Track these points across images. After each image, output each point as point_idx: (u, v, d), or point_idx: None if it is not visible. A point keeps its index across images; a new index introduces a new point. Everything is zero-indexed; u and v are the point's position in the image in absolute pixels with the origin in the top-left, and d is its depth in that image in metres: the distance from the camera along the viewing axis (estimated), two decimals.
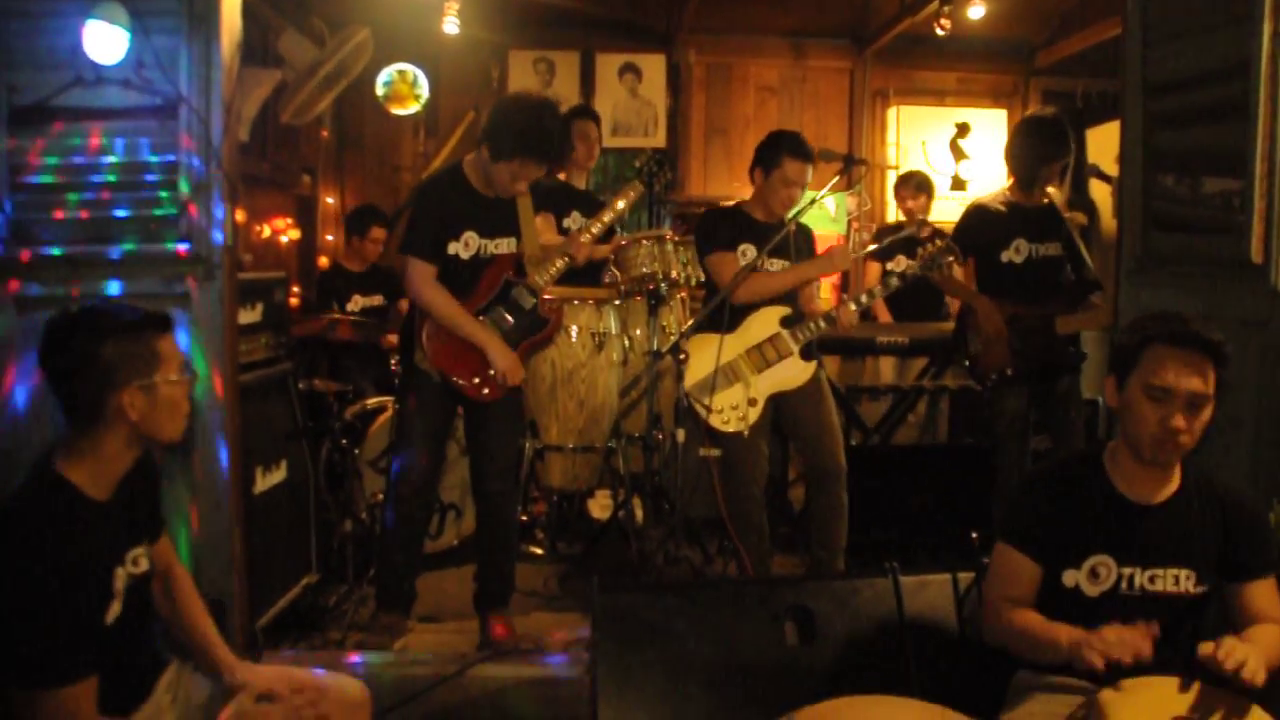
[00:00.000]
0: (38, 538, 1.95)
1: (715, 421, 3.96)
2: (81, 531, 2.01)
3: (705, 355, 3.94)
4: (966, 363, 4.53)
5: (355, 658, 3.52)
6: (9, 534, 1.96)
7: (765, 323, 4.04)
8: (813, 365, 4.07)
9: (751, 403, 4.00)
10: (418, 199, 3.66)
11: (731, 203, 4.29)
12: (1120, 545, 2.30)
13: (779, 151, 4.00)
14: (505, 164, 3.56)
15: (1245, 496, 2.37)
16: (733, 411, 3.98)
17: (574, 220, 4.90)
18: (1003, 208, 4.40)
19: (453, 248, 3.62)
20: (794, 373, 4.05)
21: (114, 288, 3.26)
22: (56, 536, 1.96)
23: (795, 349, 4.02)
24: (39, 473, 2.07)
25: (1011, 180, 4.46)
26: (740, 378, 4.00)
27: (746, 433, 3.98)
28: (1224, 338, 2.24)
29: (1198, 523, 2.31)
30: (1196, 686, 2.08)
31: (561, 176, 5.05)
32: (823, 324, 3.99)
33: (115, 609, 2.07)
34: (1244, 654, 1.99)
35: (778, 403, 4.09)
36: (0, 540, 1.95)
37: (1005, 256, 4.34)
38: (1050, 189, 4.37)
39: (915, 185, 6.07)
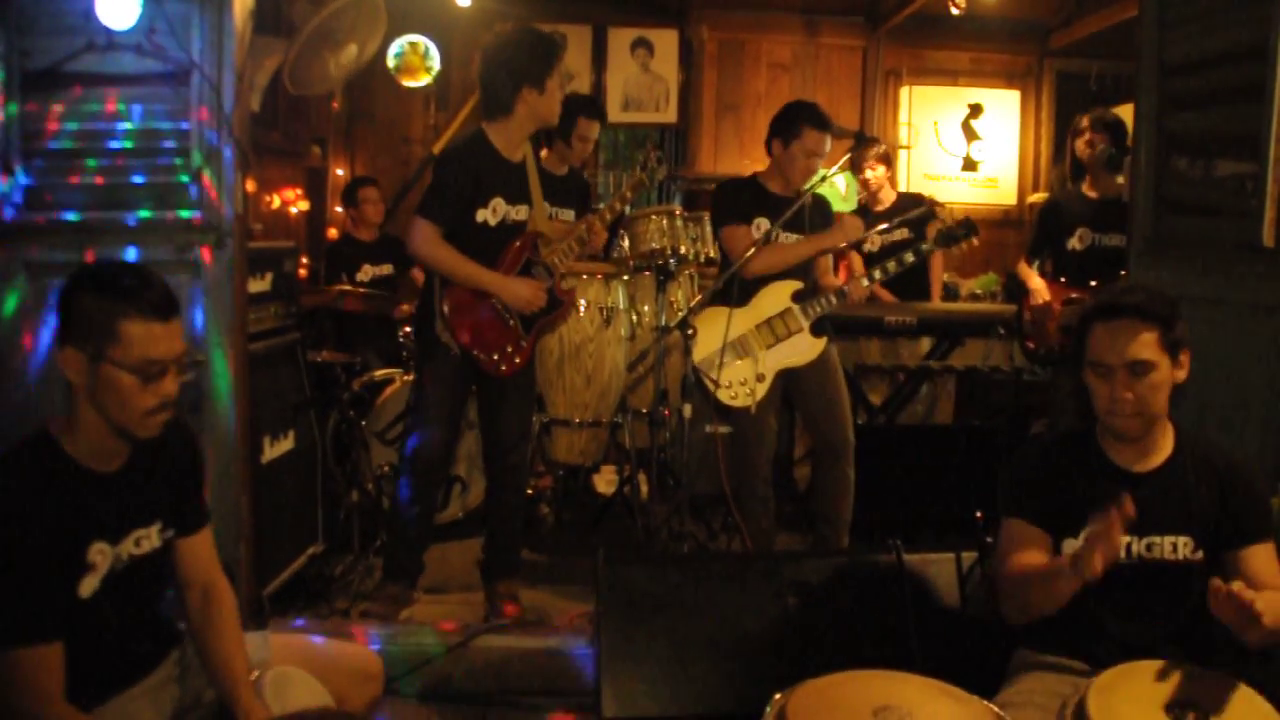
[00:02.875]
0: (8, 495, 1.90)
1: (723, 396, 3.96)
2: (55, 495, 1.94)
3: (714, 329, 3.94)
4: (1022, 341, 4.70)
5: (360, 627, 3.54)
6: None
7: (776, 297, 4.03)
8: (823, 341, 4.06)
9: (760, 378, 3.99)
10: (444, 165, 3.63)
11: (746, 175, 4.26)
12: None
13: (798, 121, 3.98)
14: (552, 80, 3.60)
15: (1240, 461, 2.35)
16: (741, 387, 3.97)
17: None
18: (1071, 199, 4.69)
19: (481, 215, 3.60)
20: (804, 349, 4.03)
21: (125, 254, 3.26)
22: (29, 497, 1.91)
23: (806, 324, 4.00)
24: (31, 437, 2.02)
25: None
26: (749, 353, 4.00)
27: (754, 409, 3.98)
28: (1156, 298, 2.24)
29: (1193, 489, 2.30)
30: (1182, 670, 2.06)
31: (543, 154, 5.03)
32: (834, 299, 3.98)
33: (91, 583, 1.99)
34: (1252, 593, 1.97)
35: (787, 378, 4.08)
36: None
37: (1069, 244, 4.56)
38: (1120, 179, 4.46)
39: (876, 156, 5.76)
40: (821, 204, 4.19)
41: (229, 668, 2.17)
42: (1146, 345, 2.21)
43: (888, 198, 5.72)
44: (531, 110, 3.62)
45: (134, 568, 2.09)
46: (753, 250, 3.87)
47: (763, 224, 4.00)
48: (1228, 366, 2.97)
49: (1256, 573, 2.25)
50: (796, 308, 4.01)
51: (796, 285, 4.05)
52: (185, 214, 3.29)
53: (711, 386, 3.94)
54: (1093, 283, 4.43)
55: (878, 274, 4.04)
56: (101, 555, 2.01)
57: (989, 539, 2.52)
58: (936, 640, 2.73)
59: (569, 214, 4.10)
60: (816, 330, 4.03)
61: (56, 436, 2.01)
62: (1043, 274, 4.71)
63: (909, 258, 4.04)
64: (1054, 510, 2.33)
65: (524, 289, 3.64)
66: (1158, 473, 2.32)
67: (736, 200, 4.09)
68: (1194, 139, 3.26)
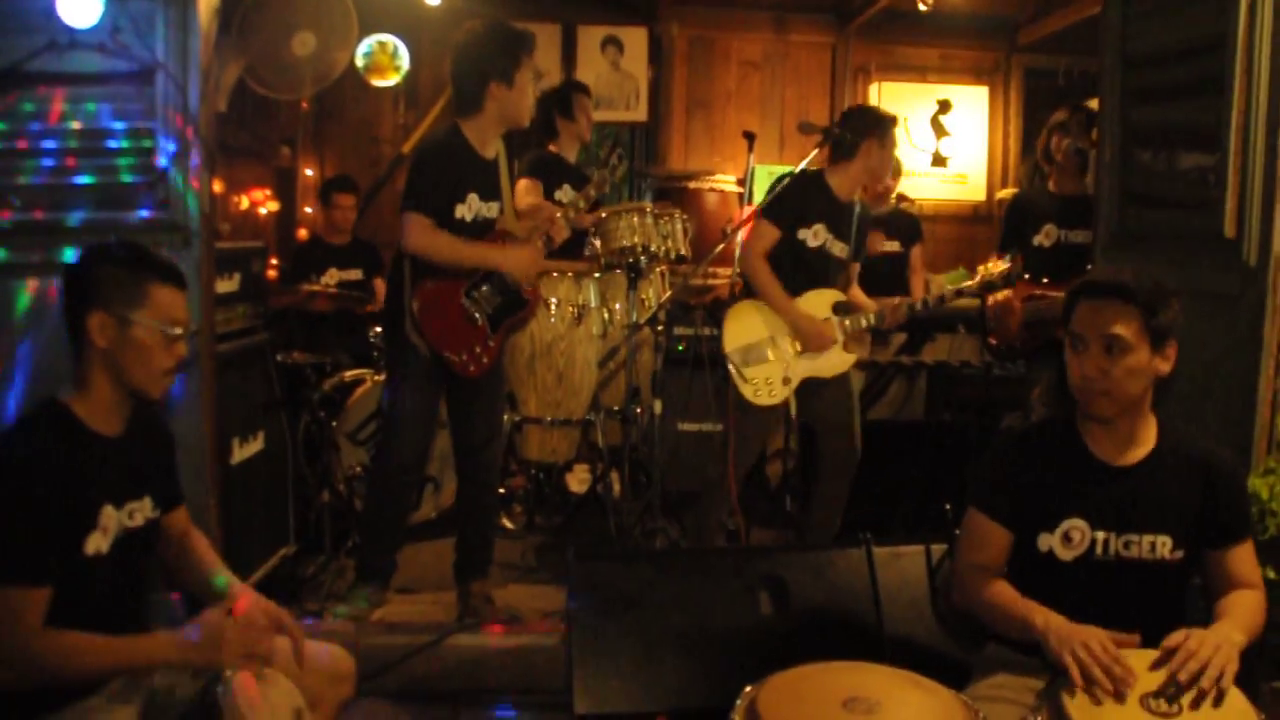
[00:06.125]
0: (28, 448, 2.03)
1: (746, 391, 3.95)
2: (71, 455, 2.07)
3: (746, 321, 3.93)
4: (985, 336, 4.72)
5: (332, 627, 3.52)
6: (2, 446, 2.05)
7: (818, 305, 4.02)
8: (852, 357, 4.08)
9: (785, 381, 3.99)
10: (421, 160, 3.60)
11: (815, 169, 4.16)
12: (1093, 508, 2.27)
13: (885, 123, 4.04)
14: (520, 74, 3.58)
15: (1224, 459, 2.32)
16: (765, 385, 3.97)
17: (565, 193, 4.87)
18: (1038, 195, 4.67)
19: (459, 210, 3.58)
20: (835, 362, 4.04)
21: None
22: (47, 451, 2.04)
23: (841, 338, 4.02)
24: (43, 403, 2.16)
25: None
26: (781, 355, 4.00)
27: (776, 406, 4.00)
28: (1145, 282, 2.22)
29: (1174, 486, 2.27)
30: (1157, 659, 2.04)
31: (553, 149, 5.04)
32: (872, 319, 4.01)
33: (99, 544, 2.10)
34: (1203, 658, 1.97)
35: (805, 386, 4.06)
36: None
37: (1036, 240, 4.53)
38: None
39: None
40: (865, 215, 4.23)
41: (210, 567, 2.45)
42: (1125, 324, 2.19)
43: (888, 205, 5.84)
44: (500, 106, 3.60)
45: (127, 540, 2.19)
46: (759, 265, 3.92)
47: (820, 231, 4.00)
48: (1192, 356, 2.98)
49: (1237, 572, 2.25)
50: (835, 320, 4.01)
51: (839, 297, 4.06)
52: (150, 214, 3.26)
53: (738, 379, 3.93)
54: (1048, 280, 4.45)
55: (919, 305, 4.06)
56: (109, 519, 2.13)
57: (958, 532, 2.52)
58: (906, 632, 2.75)
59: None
60: (848, 346, 4.05)
61: (67, 402, 2.14)
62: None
63: (950, 294, 4.07)
64: (1027, 502, 2.31)
65: (524, 255, 3.63)
66: (1138, 468, 2.29)
67: (799, 202, 3.99)
68: (1157, 132, 3.30)
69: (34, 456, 2.02)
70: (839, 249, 4.07)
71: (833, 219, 4.00)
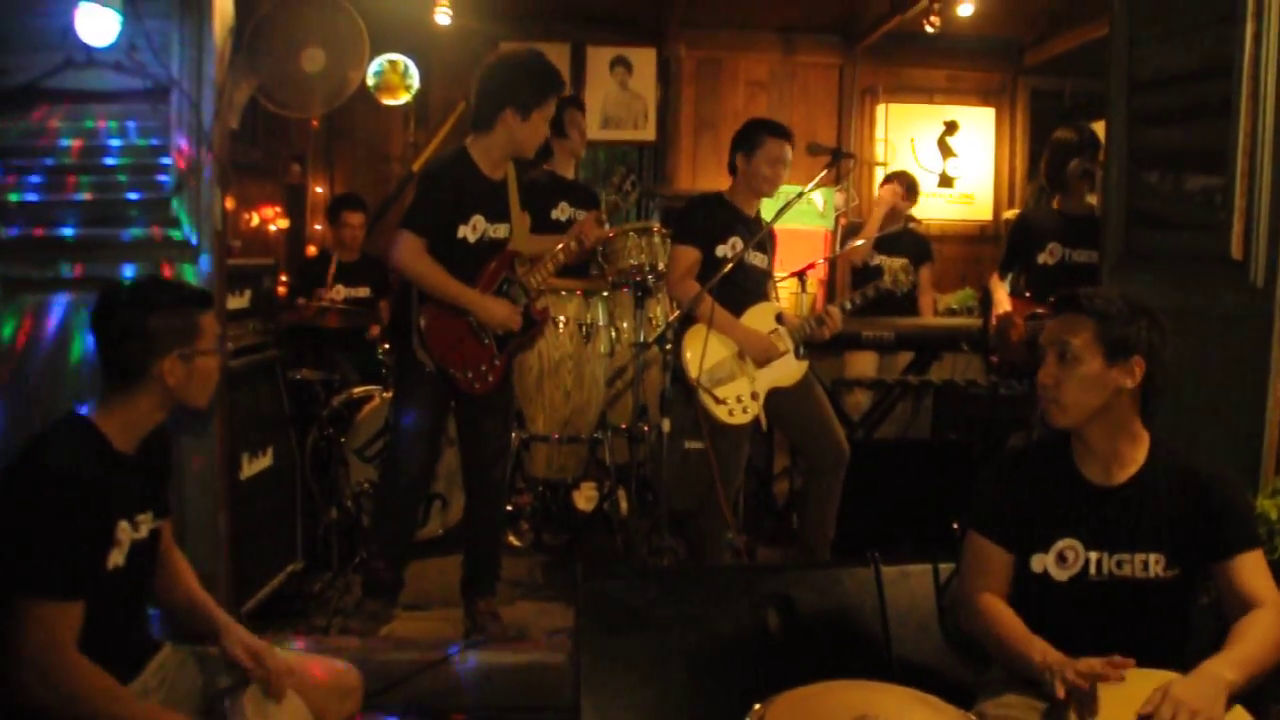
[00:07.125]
0: (59, 463, 2.07)
1: (720, 413, 3.95)
2: (101, 472, 2.11)
3: (705, 343, 3.96)
4: (987, 354, 4.77)
5: (339, 643, 3.53)
6: (34, 458, 2.09)
7: (763, 319, 4.06)
8: (805, 364, 4.12)
9: (754, 396, 4.02)
10: (429, 180, 3.64)
11: (714, 191, 4.27)
12: (1085, 528, 2.28)
13: (759, 132, 4.06)
14: (539, 112, 3.61)
15: (1220, 471, 2.31)
16: (737, 403, 3.98)
17: (562, 211, 4.89)
18: (1043, 214, 4.74)
19: (462, 231, 3.60)
20: (791, 370, 4.08)
21: (101, 270, 3.25)
22: (77, 468, 2.07)
23: (792, 346, 4.06)
24: (69, 418, 2.19)
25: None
26: (744, 371, 4.02)
27: (757, 424, 4.02)
28: (1104, 295, 2.31)
29: (1165, 502, 2.26)
30: (1158, 677, 2.03)
31: (547, 168, 5.05)
32: (814, 325, 4.04)
33: (116, 558, 2.14)
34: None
35: (771, 399, 4.09)
36: (25, 463, 2.08)
37: (1040, 259, 4.56)
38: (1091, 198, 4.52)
39: (907, 186, 6.11)
40: (771, 232, 4.24)
41: (198, 600, 2.43)
42: (1076, 334, 2.26)
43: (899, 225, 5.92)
44: (509, 134, 3.62)
45: (137, 553, 2.22)
46: (702, 294, 3.88)
47: (737, 243, 4.02)
48: (1199, 377, 3.01)
49: (1245, 584, 2.19)
50: (783, 329, 4.05)
51: (779, 308, 4.12)
52: (163, 230, 3.28)
53: (711, 402, 3.94)
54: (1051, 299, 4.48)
55: (847, 304, 4.14)
56: (124, 533, 2.18)
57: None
58: (913, 650, 2.75)
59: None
60: (798, 353, 4.09)
61: (93, 420, 2.19)
62: (1016, 289, 4.75)
63: (870, 292, 4.18)
64: (1021, 525, 2.32)
65: (500, 309, 3.65)
66: (1127, 486, 2.29)
67: (708, 221, 4.09)
68: (1164, 153, 3.31)
69: (68, 472, 2.06)
70: (759, 259, 4.11)
71: (744, 232, 4.03)
